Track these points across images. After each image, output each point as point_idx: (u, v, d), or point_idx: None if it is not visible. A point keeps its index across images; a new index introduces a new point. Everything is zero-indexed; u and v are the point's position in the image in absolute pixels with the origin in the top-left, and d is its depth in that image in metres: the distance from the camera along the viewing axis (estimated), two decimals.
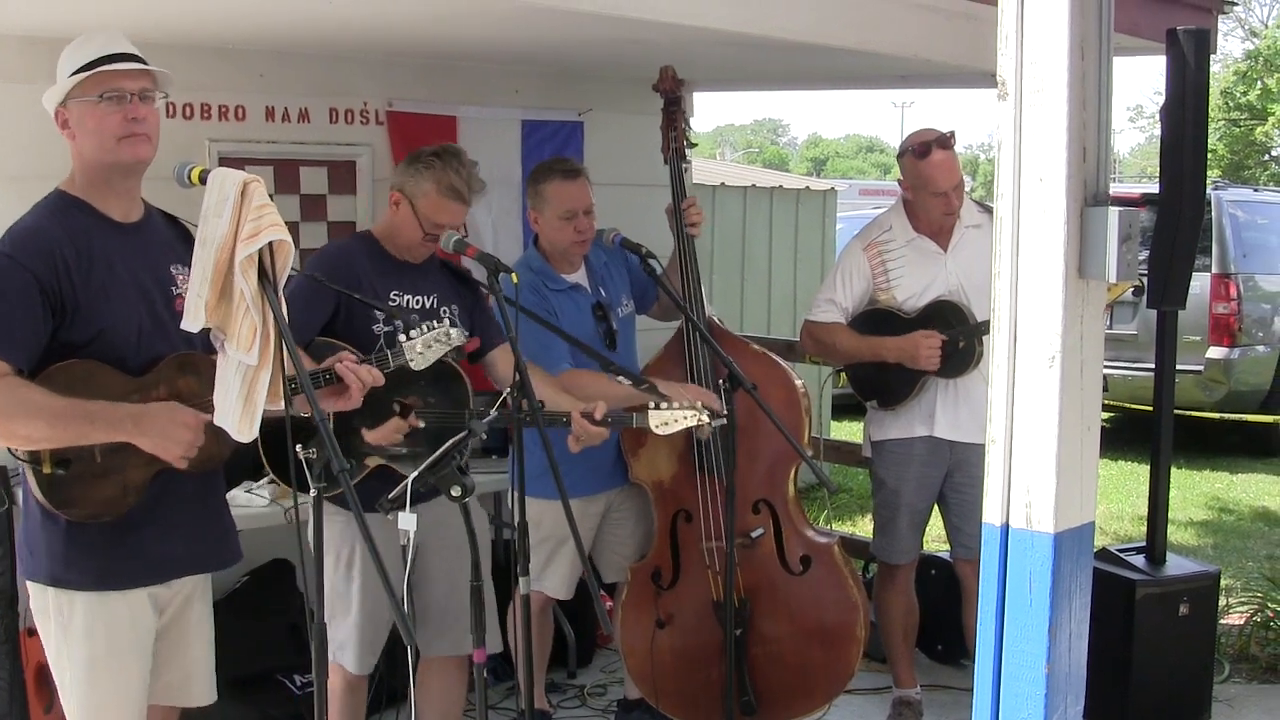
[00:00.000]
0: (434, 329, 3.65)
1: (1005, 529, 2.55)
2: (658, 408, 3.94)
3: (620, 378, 4.22)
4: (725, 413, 4.07)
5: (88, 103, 3.07)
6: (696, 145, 5.02)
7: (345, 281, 3.96)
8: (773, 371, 4.80)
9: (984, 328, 4.58)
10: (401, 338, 3.61)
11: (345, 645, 4.09)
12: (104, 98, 3.06)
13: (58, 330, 3.01)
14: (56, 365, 3.00)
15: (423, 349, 3.62)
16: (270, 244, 2.75)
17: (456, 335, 3.68)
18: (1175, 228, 4.11)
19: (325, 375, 3.42)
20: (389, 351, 3.62)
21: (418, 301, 4.14)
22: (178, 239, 3.29)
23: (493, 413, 3.59)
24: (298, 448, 2.92)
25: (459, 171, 4.05)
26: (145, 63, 3.14)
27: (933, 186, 4.78)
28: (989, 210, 4.68)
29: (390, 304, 4.01)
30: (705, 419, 3.94)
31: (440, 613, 4.17)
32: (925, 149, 4.77)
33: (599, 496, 4.77)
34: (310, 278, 3.92)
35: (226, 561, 3.48)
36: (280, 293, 2.79)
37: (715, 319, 4.94)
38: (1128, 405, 10.19)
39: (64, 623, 3.12)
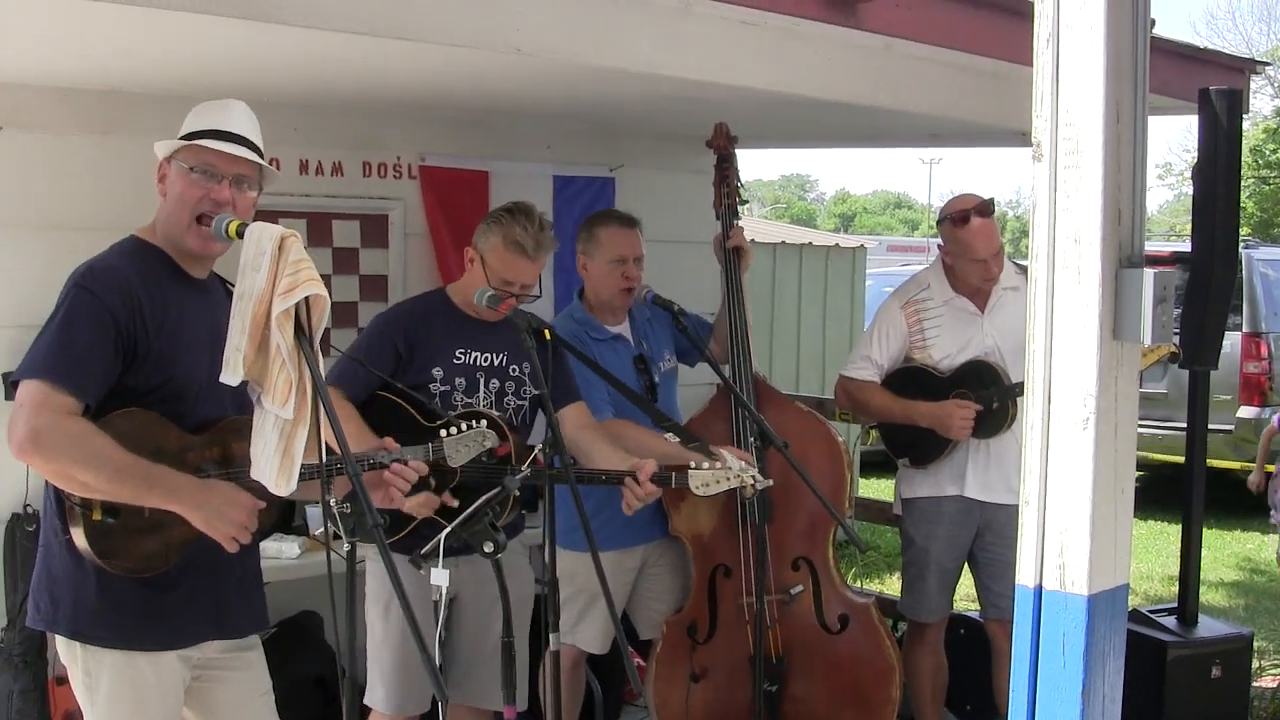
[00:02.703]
0: (474, 428, 3.66)
1: (1039, 591, 2.52)
2: (699, 467, 3.90)
3: (670, 434, 4.19)
4: (768, 479, 4.00)
5: (182, 169, 3.10)
6: (747, 202, 5.05)
7: (411, 336, 4.05)
8: (816, 429, 4.82)
9: (1018, 389, 4.57)
10: (443, 433, 3.60)
11: (375, 686, 4.13)
12: (195, 170, 3.09)
13: (123, 374, 2.98)
14: (118, 412, 2.96)
15: (461, 448, 3.63)
16: (307, 298, 2.76)
17: (491, 439, 3.68)
18: (1207, 288, 4.09)
19: (368, 462, 3.41)
20: (429, 445, 3.60)
21: (485, 359, 4.17)
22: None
23: (525, 469, 3.59)
24: (331, 500, 2.92)
25: (526, 227, 4.05)
26: (253, 146, 3.16)
27: (972, 253, 4.80)
28: (1026, 271, 4.69)
29: (431, 372, 4.04)
30: (749, 480, 3.89)
31: (464, 661, 4.19)
32: (964, 216, 4.78)
33: (635, 550, 4.77)
34: (353, 358, 3.98)
35: (254, 628, 3.40)
36: (317, 348, 2.79)
37: (760, 375, 4.94)
38: (1158, 456, 10.09)
39: (91, 683, 3.06)
